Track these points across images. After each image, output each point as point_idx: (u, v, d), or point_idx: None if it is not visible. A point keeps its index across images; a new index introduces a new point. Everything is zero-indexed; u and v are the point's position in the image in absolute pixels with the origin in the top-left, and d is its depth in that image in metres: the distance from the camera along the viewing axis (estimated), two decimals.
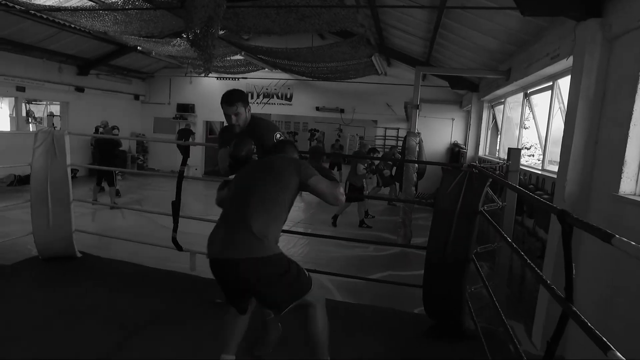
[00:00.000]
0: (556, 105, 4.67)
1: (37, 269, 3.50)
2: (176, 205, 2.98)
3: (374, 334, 2.78)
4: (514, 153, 2.69)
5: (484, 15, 4.70)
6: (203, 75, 11.13)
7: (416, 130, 6.36)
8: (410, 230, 6.35)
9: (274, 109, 12.13)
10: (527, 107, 5.90)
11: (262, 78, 11.46)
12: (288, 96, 11.82)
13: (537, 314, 3.48)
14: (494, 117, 8.17)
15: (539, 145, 5.65)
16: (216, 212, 2.16)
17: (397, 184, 10.14)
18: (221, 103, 2.41)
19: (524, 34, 4.64)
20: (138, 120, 13.13)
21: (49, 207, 3.42)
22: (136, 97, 12.97)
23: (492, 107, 8.09)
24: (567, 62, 3.78)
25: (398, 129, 11.40)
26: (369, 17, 6.65)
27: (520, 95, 6.14)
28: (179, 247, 3.03)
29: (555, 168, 4.56)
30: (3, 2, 6.49)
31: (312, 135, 18.85)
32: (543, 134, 5.44)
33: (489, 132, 8.28)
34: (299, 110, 12.02)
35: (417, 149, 6.19)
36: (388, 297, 4.32)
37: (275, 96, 11.90)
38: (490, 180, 2.47)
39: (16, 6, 6.57)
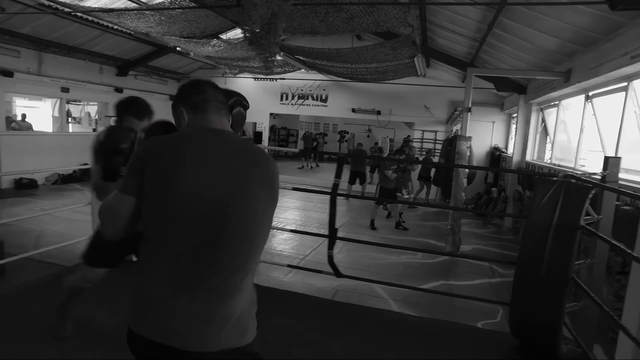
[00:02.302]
0: (629, 108, 4.36)
1: None
2: None
3: (453, 352, 2.59)
4: (613, 162, 2.45)
5: (550, 13, 4.44)
6: (236, 72, 11.17)
7: (466, 134, 6.12)
8: (459, 237, 6.10)
9: (309, 110, 12.05)
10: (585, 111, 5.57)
11: (297, 79, 11.38)
12: (323, 97, 11.70)
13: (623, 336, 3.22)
14: (543, 121, 7.81)
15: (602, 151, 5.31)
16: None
17: (427, 188, 9.95)
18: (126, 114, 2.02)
19: (595, 32, 4.35)
20: (172, 120, 13.26)
21: None
22: (171, 98, 13.01)
23: (542, 110, 7.73)
24: None
25: (436, 131, 11.11)
26: (417, 17, 6.44)
27: (578, 97, 5.82)
28: None
29: (630, 177, 4.26)
30: (54, 5, 6.62)
31: (341, 137, 18.67)
32: (608, 140, 5.11)
33: (538, 136, 7.92)
34: (335, 111, 11.88)
35: (469, 153, 5.94)
36: (445, 309, 4.13)
37: (310, 97, 11.81)
38: (594, 191, 2.25)
39: (65, 9, 6.69)
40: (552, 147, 7.01)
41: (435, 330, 2.92)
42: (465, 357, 2.54)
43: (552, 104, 7.01)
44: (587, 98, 5.37)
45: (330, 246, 2.90)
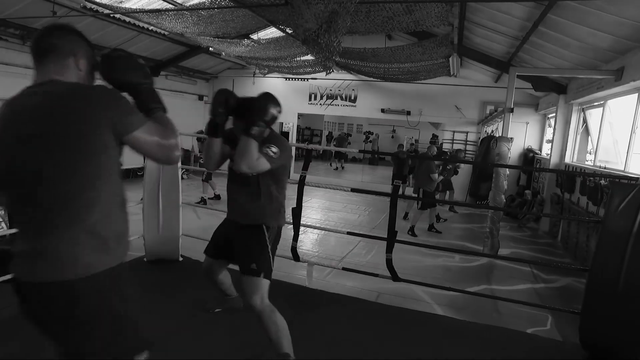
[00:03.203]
0: None
1: (142, 271, 3.48)
2: (297, 213, 2.83)
3: None
4: None
5: (609, 9, 4.25)
6: (265, 72, 11.19)
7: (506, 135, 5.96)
8: (498, 240, 5.95)
9: (338, 110, 11.97)
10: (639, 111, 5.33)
11: (327, 79, 11.33)
12: (352, 97, 11.62)
13: None
14: (585, 121, 7.54)
15: None
16: None
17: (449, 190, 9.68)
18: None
19: None
20: (201, 120, 13.42)
21: (159, 210, 3.40)
22: (200, 98, 13.28)
23: (584, 110, 7.47)
24: None
25: (467, 132, 10.89)
26: (456, 16, 6.31)
27: (630, 97, 5.58)
28: (296, 258, 2.88)
29: None
30: (94, 8, 6.76)
31: (366, 138, 18.56)
32: None
33: (578, 137, 7.66)
34: (364, 112, 11.78)
35: (509, 155, 5.79)
36: (492, 315, 4.00)
37: (339, 97, 11.74)
38: None
39: (106, 10, 6.83)
40: (596, 149, 6.75)
41: (494, 337, 2.83)
42: None
43: (597, 104, 6.76)
44: None
45: (389, 249, 2.83)
